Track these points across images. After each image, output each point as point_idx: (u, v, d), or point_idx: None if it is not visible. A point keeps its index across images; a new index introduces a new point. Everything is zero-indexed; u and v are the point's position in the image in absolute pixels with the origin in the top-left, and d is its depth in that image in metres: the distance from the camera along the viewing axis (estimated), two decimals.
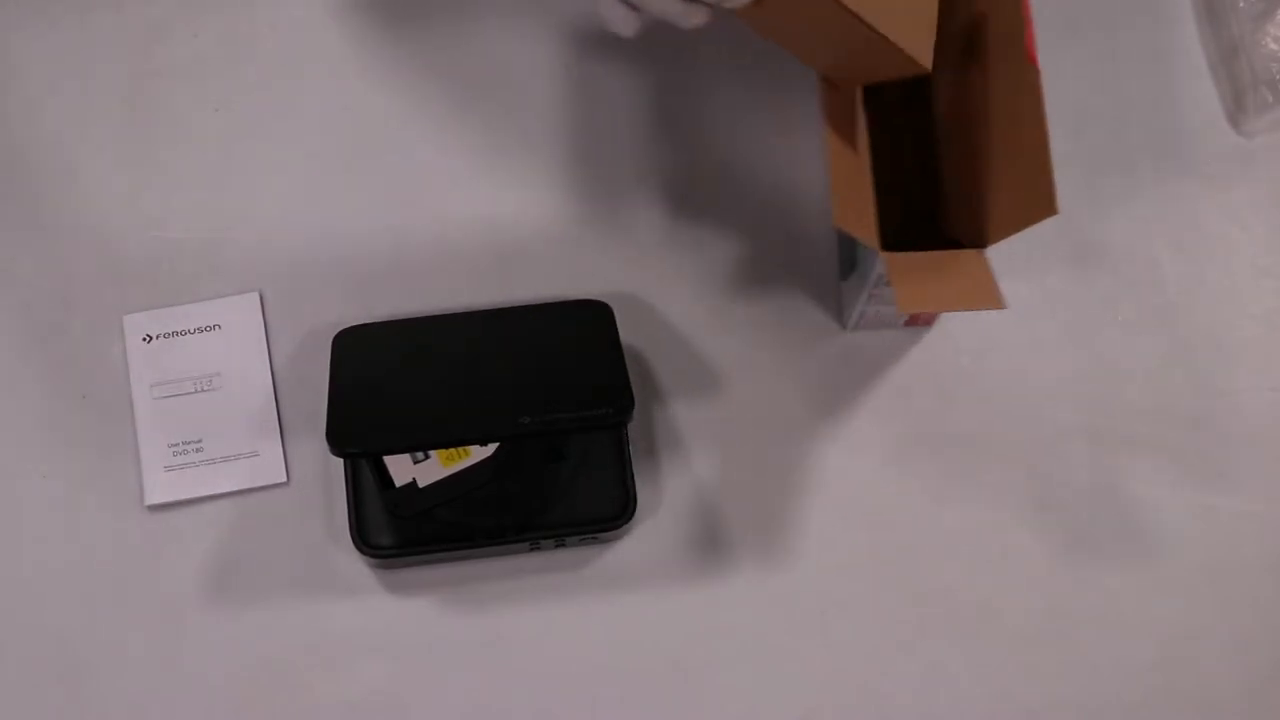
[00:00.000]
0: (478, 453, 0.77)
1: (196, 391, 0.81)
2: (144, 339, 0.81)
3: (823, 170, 0.85)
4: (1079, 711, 0.78)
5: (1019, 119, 0.75)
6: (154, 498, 0.79)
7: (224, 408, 0.80)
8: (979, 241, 0.74)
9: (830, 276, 0.85)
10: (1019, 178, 0.74)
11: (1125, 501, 0.81)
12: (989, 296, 0.71)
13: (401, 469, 0.77)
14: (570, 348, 0.78)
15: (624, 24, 0.71)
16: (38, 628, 0.77)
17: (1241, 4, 0.88)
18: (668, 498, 0.80)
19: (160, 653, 0.77)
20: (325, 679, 0.77)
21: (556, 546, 0.78)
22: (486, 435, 0.74)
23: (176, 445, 0.80)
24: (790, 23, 0.73)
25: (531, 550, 0.78)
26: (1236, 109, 0.88)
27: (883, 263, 0.72)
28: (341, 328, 0.80)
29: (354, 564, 0.78)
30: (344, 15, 0.88)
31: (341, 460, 0.77)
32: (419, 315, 0.80)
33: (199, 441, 0.80)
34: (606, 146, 0.86)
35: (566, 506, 0.77)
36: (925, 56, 0.74)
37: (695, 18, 0.71)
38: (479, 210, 0.85)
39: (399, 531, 0.77)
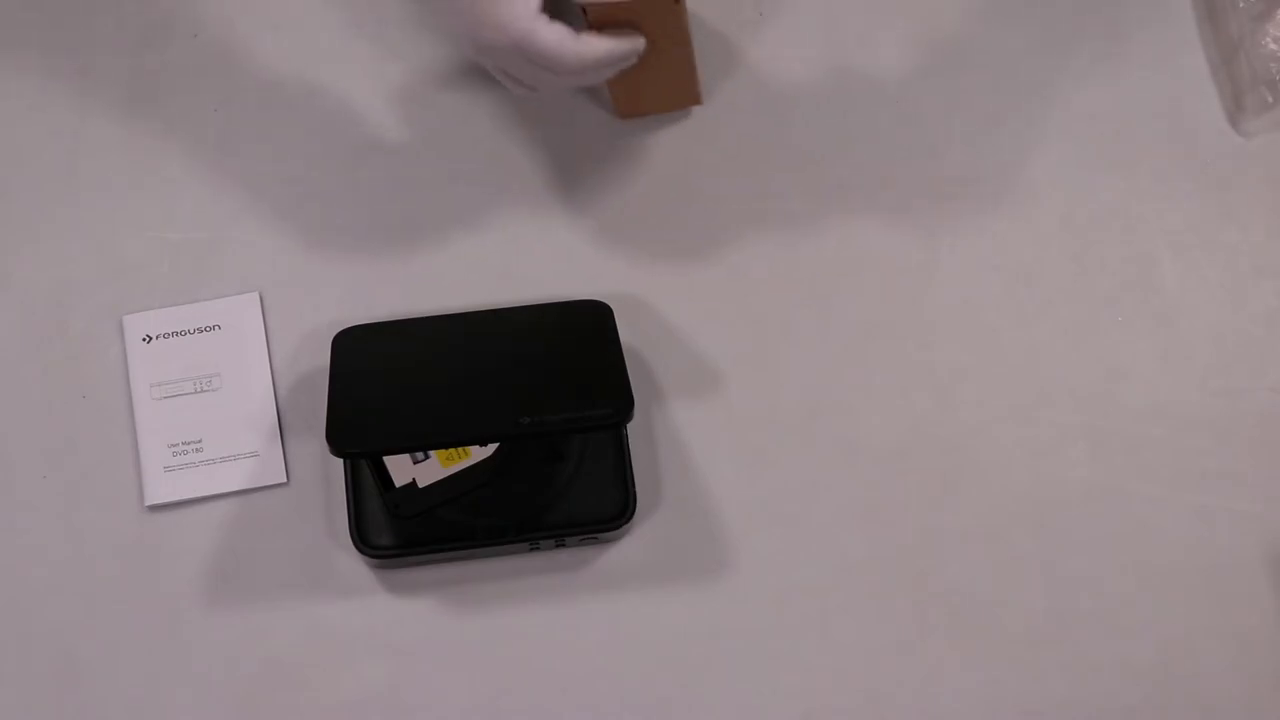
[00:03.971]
0: (478, 453, 0.78)
1: (196, 392, 0.81)
2: (144, 339, 0.81)
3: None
4: (1079, 711, 0.78)
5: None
6: (154, 498, 0.79)
7: (224, 408, 0.80)
8: None
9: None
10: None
11: (1125, 501, 0.81)
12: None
13: (401, 469, 0.77)
14: (570, 348, 0.78)
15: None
16: (38, 628, 0.77)
17: (1241, 4, 0.88)
18: (668, 498, 0.80)
19: (160, 653, 0.77)
20: (325, 679, 0.77)
21: (556, 546, 0.78)
22: (486, 435, 0.74)
23: (176, 445, 0.80)
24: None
25: (531, 550, 0.78)
26: (1236, 109, 0.88)
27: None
28: (341, 328, 0.80)
29: (354, 564, 0.78)
30: (343, 15, 0.88)
31: (341, 460, 0.77)
32: (419, 315, 0.80)
33: (199, 442, 0.80)
34: (606, 146, 0.86)
35: (566, 506, 0.77)
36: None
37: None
38: (479, 210, 0.85)
39: (399, 531, 0.77)
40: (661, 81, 0.81)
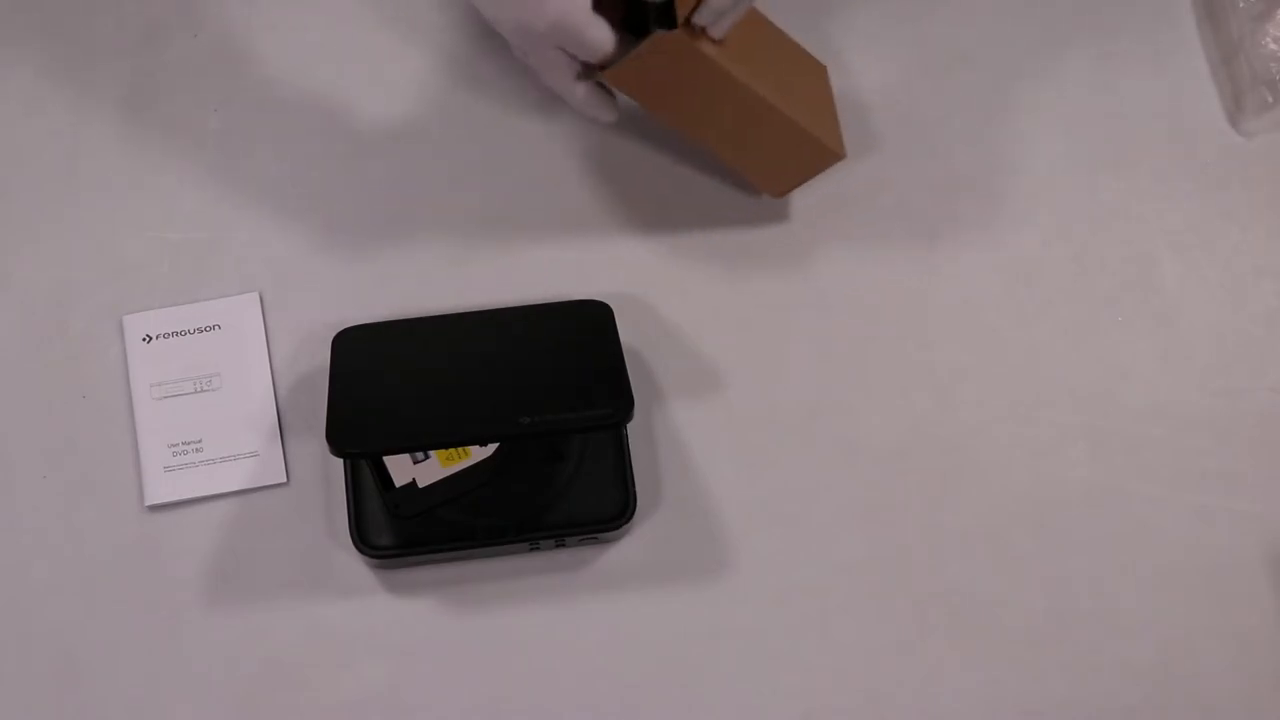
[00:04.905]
0: (477, 453, 0.77)
1: (196, 391, 0.81)
2: (144, 339, 0.81)
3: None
4: (1079, 711, 0.78)
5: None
6: (154, 498, 0.79)
7: (224, 408, 0.80)
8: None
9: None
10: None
11: (1125, 501, 0.81)
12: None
13: (401, 469, 0.77)
14: (570, 348, 0.78)
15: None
16: (37, 628, 0.77)
17: (1241, 4, 0.88)
18: (668, 498, 0.80)
19: (160, 653, 0.77)
20: (325, 679, 0.77)
21: (556, 546, 0.78)
22: (486, 435, 0.74)
23: (176, 445, 0.80)
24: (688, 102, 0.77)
25: (531, 550, 0.78)
26: (1236, 109, 0.88)
27: None
28: (341, 328, 0.80)
29: (354, 564, 0.78)
30: (342, 15, 0.88)
31: (341, 460, 0.77)
32: (419, 315, 0.80)
33: (199, 441, 0.80)
34: (607, 146, 0.86)
35: (566, 506, 0.77)
36: (837, 145, 0.80)
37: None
38: (480, 210, 0.85)
39: (399, 531, 0.77)
40: (773, 144, 0.79)
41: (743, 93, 0.76)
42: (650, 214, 0.85)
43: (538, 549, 0.78)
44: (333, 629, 0.78)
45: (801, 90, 0.80)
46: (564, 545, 0.78)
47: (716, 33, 0.74)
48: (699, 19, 0.73)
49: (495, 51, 0.88)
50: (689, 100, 0.77)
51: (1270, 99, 0.87)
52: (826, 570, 0.80)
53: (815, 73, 0.84)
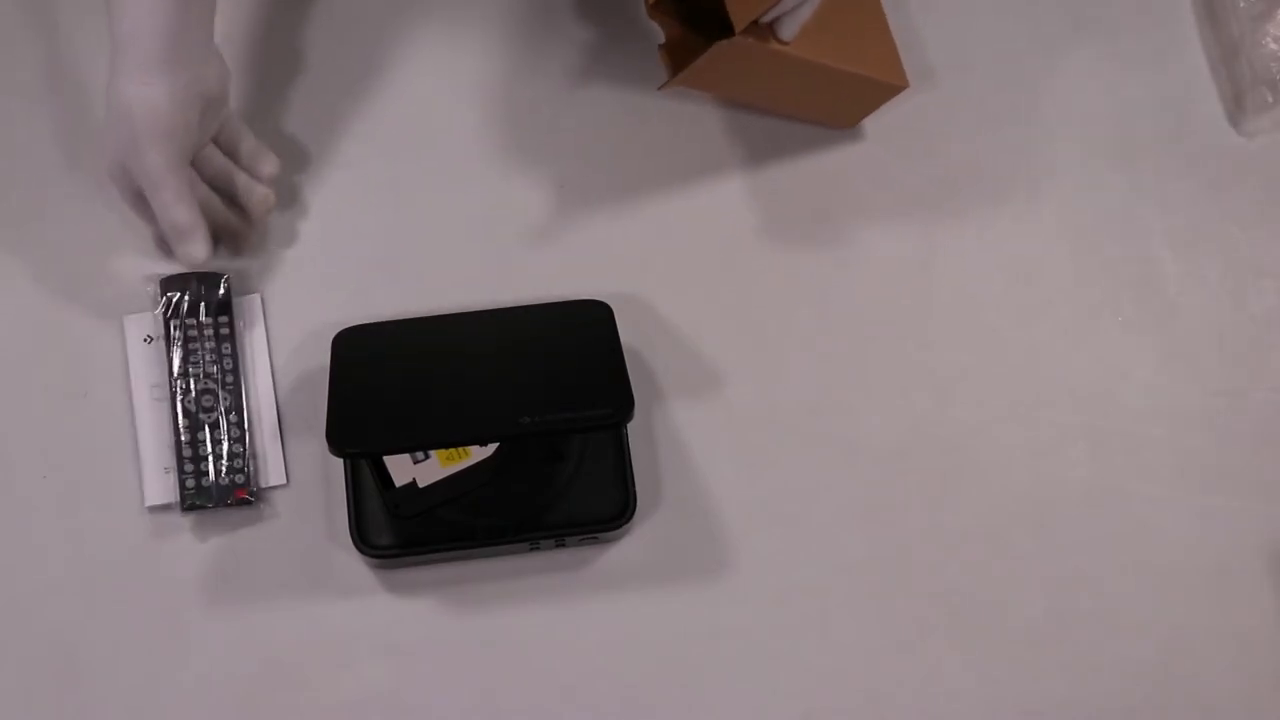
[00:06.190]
0: (478, 453, 0.77)
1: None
2: (144, 339, 0.81)
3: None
4: (1079, 711, 0.78)
5: None
6: (154, 498, 0.79)
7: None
8: None
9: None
10: None
11: (1125, 501, 0.81)
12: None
13: (401, 469, 0.77)
14: (570, 348, 0.78)
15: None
16: (38, 628, 0.77)
17: (1241, 4, 0.88)
18: (668, 498, 0.80)
19: (160, 653, 0.77)
20: (325, 679, 0.77)
21: (556, 546, 0.78)
22: (486, 435, 0.74)
23: None
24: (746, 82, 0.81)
25: (531, 550, 0.78)
26: (1236, 109, 0.88)
27: None
28: (341, 328, 0.80)
29: (354, 564, 0.78)
30: (341, 15, 0.88)
31: (341, 460, 0.77)
32: (419, 315, 0.80)
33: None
34: (607, 146, 0.86)
35: (566, 506, 0.77)
36: (899, 77, 0.82)
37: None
38: (480, 210, 0.85)
39: (399, 531, 0.77)
40: (838, 94, 0.83)
41: (807, 66, 0.78)
42: (650, 213, 0.85)
43: (538, 549, 0.78)
44: (333, 629, 0.78)
45: (856, 29, 0.82)
46: (564, 545, 0.78)
47: (787, 35, 0.76)
48: (767, 20, 0.75)
49: (493, 54, 0.88)
50: (756, 82, 0.80)
51: (1270, 99, 0.87)
52: (826, 570, 0.80)
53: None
